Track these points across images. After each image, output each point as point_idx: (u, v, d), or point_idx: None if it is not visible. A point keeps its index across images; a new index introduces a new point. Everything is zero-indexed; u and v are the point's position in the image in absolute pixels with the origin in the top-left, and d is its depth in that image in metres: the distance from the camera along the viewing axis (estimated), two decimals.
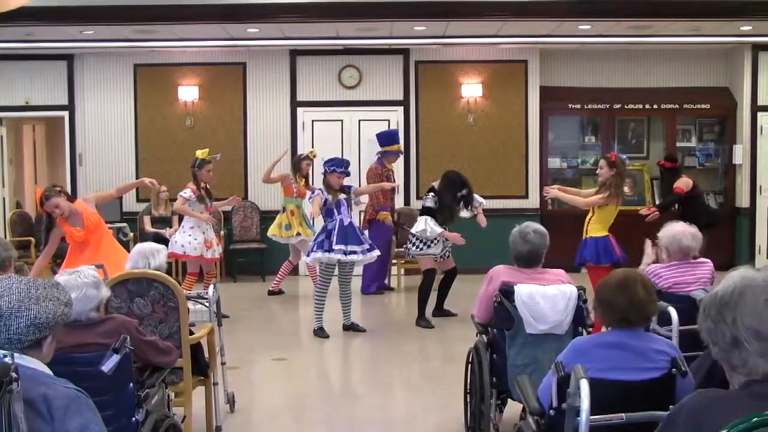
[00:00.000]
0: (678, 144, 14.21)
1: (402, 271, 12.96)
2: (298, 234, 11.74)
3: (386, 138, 12.23)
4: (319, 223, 10.19)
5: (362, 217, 12.36)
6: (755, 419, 2.12)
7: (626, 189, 9.39)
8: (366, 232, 11.43)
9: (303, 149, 13.19)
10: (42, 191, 8.08)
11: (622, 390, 3.73)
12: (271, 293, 12.28)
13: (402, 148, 12.28)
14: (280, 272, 12.22)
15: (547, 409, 3.88)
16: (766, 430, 2.12)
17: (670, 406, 2.83)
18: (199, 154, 10.48)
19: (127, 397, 4.35)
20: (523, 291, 5.33)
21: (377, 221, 11.97)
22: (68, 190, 11.10)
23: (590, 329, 5.46)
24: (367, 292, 12.41)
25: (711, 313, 2.40)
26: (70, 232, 7.93)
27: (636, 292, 3.86)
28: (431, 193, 10.05)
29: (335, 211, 9.53)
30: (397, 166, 13.22)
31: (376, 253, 9.78)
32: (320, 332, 9.72)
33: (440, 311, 10.55)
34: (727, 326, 2.35)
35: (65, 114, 14.14)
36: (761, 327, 2.30)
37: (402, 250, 11.59)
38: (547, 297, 5.31)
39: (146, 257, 5.91)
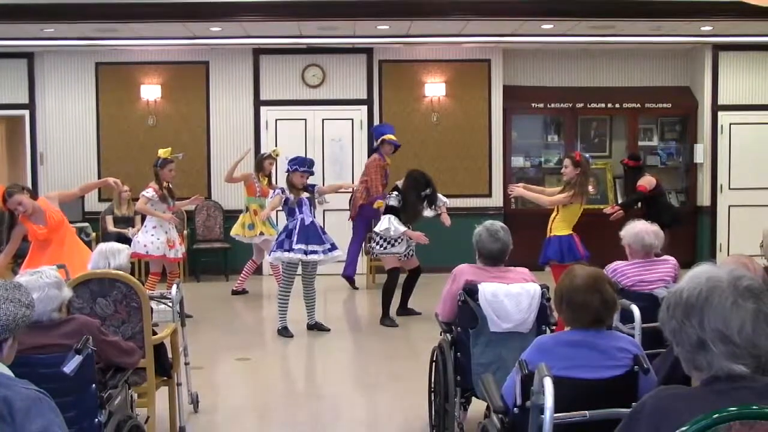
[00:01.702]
0: (640, 143, 14.30)
1: (373, 269, 12.94)
2: (262, 233, 11.71)
3: (375, 132, 12.30)
4: (283, 221, 10.17)
5: (352, 204, 12.33)
6: (716, 415, 2.14)
7: (590, 188, 9.45)
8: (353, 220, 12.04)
9: (266, 148, 13.13)
10: (4, 188, 8.00)
11: (585, 388, 3.75)
12: (234, 293, 12.24)
13: (394, 138, 12.07)
14: (243, 272, 12.19)
15: (511, 407, 3.89)
16: (726, 426, 2.14)
17: (633, 404, 2.85)
18: (162, 153, 10.41)
19: (90, 398, 4.32)
20: (487, 289, 5.34)
21: (367, 206, 11.88)
22: None
23: (554, 327, 5.49)
24: (345, 274, 12.54)
25: (676, 314, 2.40)
26: (33, 230, 7.87)
27: (607, 290, 3.88)
28: (395, 192, 10.06)
29: (297, 210, 9.52)
30: (359, 166, 13.22)
31: (338, 252, 9.77)
32: (284, 332, 9.70)
33: (404, 310, 10.56)
34: (694, 329, 2.35)
35: (26, 113, 13.99)
36: (728, 330, 2.31)
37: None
38: (511, 295, 5.33)
39: (107, 257, 5.87)
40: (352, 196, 12.30)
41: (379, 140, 11.89)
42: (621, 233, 6.46)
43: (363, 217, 12.05)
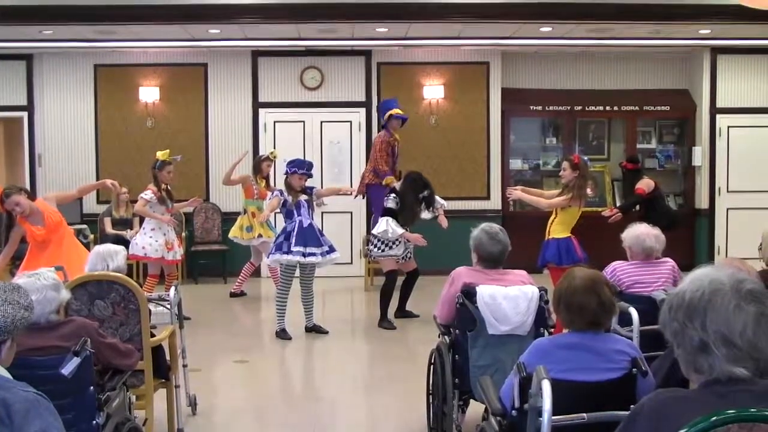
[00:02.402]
0: (638, 146, 14.31)
1: (371, 272, 12.94)
2: (260, 236, 11.71)
3: (381, 108, 12.29)
4: (281, 224, 10.18)
5: (358, 182, 12.36)
6: (714, 418, 2.14)
7: (588, 191, 9.45)
8: (361, 196, 12.20)
9: (265, 150, 13.13)
10: (2, 189, 8.01)
11: (583, 390, 3.75)
12: (233, 295, 12.23)
13: (401, 112, 11.95)
14: (241, 274, 12.18)
15: (509, 410, 3.89)
16: (724, 428, 2.14)
17: (631, 406, 2.85)
18: (160, 155, 10.42)
19: (88, 400, 4.32)
20: (485, 292, 5.34)
21: (374, 185, 11.84)
22: None
23: (552, 330, 5.49)
24: None
25: (678, 315, 2.40)
26: (31, 231, 7.86)
27: (605, 293, 3.88)
28: (393, 194, 10.06)
29: (295, 212, 9.52)
30: (358, 168, 13.21)
31: (336, 254, 9.75)
32: (282, 334, 9.70)
33: (402, 312, 10.55)
34: (696, 331, 2.35)
35: (24, 115, 13.99)
36: (730, 333, 2.31)
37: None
38: (509, 298, 5.33)
39: (105, 259, 5.87)
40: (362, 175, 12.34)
41: (386, 116, 11.85)
42: (622, 235, 6.48)
43: (378, 198, 11.88)
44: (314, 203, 9.79)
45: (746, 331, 2.31)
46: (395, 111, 11.81)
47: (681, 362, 2.46)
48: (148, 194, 10.24)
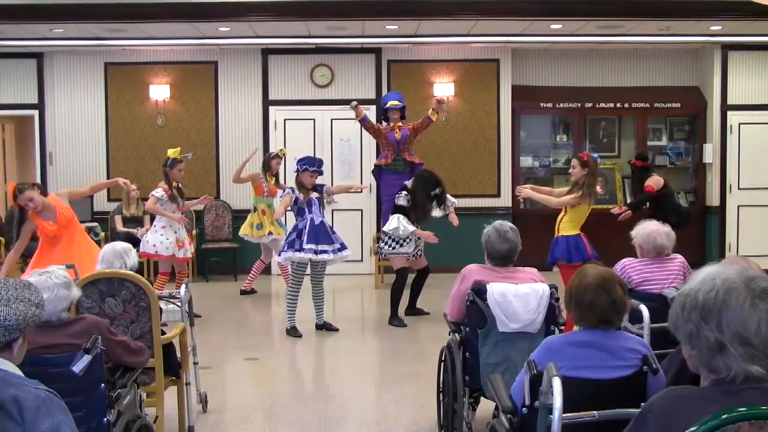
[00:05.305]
0: (649, 143, 14.28)
1: (381, 269, 12.95)
2: (270, 233, 11.72)
3: (381, 102, 12.30)
4: (291, 221, 10.18)
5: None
6: (725, 416, 2.13)
7: (598, 188, 9.42)
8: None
9: (275, 148, 13.14)
10: (15, 185, 8.05)
11: (594, 388, 3.74)
12: (243, 293, 12.25)
13: (397, 103, 11.76)
14: (252, 271, 12.20)
15: (520, 408, 3.89)
16: (735, 426, 2.13)
17: (642, 404, 2.84)
18: (171, 153, 10.42)
19: (99, 397, 4.34)
20: (496, 289, 5.34)
21: (385, 174, 11.83)
22: None
23: (562, 328, 5.48)
24: None
25: (692, 316, 2.37)
26: (43, 227, 7.89)
27: (616, 291, 3.87)
28: (404, 192, 10.05)
29: (306, 210, 9.52)
30: (368, 165, 13.18)
31: (348, 252, 9.76)
32: (293, 331, 9.71)
33: (413, 310, 10.56)
34: (712, 332, 2.33)
35: (35, 113, 14.03)
36: (746, 332, 2.30)
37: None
38: (520, 295, 5.32)
39: (121, 257, 5.89)
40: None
41: (387, 105, 11.85)
42: (632, 233, 6.44)
43: (388, 186, 11.84)
44: (325, 201, 9.80)
45: (761, 329, 2.29)
46: (390, 103, 11.79)
47: (696, 362, 2.43)
48: (159, 192, 10.25)
